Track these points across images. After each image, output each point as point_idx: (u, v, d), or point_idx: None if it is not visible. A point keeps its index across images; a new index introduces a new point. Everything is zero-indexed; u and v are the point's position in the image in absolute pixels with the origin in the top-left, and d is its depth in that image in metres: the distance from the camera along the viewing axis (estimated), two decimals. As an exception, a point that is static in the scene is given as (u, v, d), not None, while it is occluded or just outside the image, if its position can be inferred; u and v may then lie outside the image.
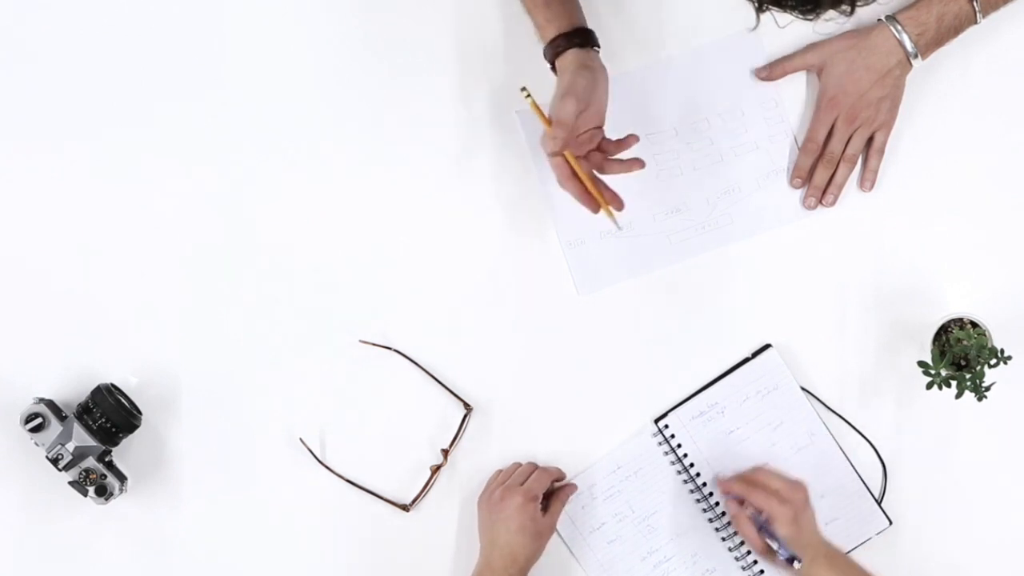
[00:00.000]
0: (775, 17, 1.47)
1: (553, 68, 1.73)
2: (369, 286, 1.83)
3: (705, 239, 1.83)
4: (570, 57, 1.70)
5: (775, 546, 1.71)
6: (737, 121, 1.83)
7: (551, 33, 1.72)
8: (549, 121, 1.67)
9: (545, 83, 1.73)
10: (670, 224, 1.83)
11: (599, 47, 1.73)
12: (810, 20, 1.41)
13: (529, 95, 1.68)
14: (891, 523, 1.80)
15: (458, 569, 1.81)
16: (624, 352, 1.82)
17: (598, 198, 1.69)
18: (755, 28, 1.59)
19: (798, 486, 1.72)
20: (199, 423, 1.82)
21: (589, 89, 1.67)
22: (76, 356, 1.81)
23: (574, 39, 1.71)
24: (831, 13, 1.41)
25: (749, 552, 1.79)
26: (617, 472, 1.82)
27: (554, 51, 1.72)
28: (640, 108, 1.83)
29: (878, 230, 1.83)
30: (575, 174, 1.68)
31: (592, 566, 1.81)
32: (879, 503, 1.80)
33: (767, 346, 1.81)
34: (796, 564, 1.69)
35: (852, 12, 1.41)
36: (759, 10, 1.43)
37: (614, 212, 1.70)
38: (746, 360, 1.82)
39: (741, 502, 1.75)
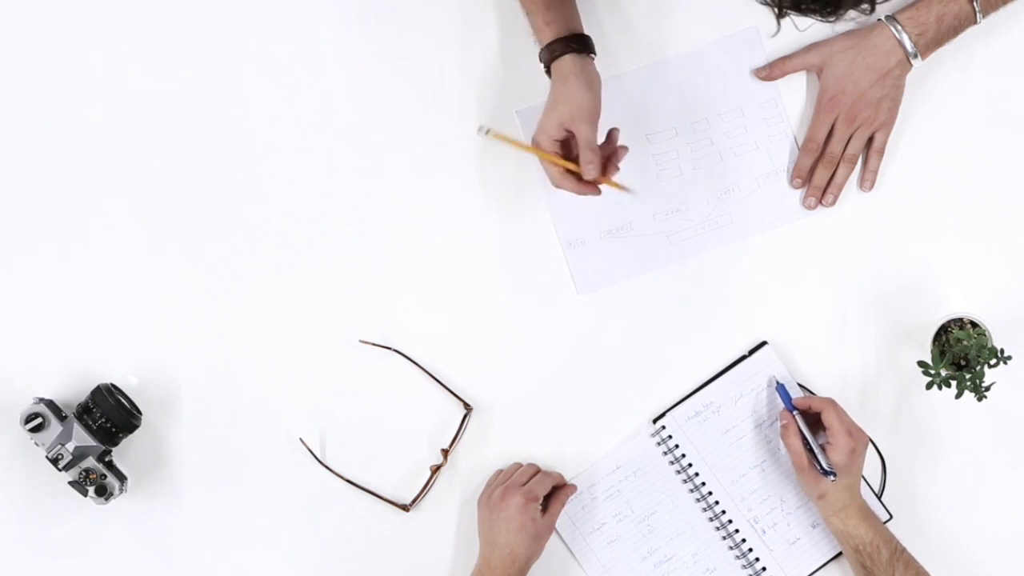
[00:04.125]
0: (795, 21, 1.46)
1: (548, 71, 1.73)
2: (369, 286, 1.83)
3: (705, 239, 1.83)
4: (567, 63, 1.70)
5: (817, 452, 1.73)
6: (737, 121, 1.83)
7: (549, 36, 1.72)
8: (530, 148, 1.69)
9: (539, 85, 1.73)
10: (670, 224, 1.83)
11: (595, 54, 1.73)
12: (831, 22, 1.40)
13: (489, 131, 1.70)
14: (891, 517, 1.80)
15: (458, 569, 1.81)
16: (624, 352, 1.83)
17: (606, 181, 1.70)
18: (776, 34, 1.58)
19: (862, 432, 1.75)
20: (199, 423, 1.82)
21: (594, 100, 1.68)
22: (76, 356, 1.81)
23: (571, 44, 1.71)
24: (851, 13, 1.40)
25: (752, 550, 1.80)
26: (616, 472, 1.82)
27: (551, 55, 1.71)
28: (640, 108, 1.83)
29: (878, 230, 1.83)
30: (568, 172, 1.69)
31: (592, 566, 1.81)
32: (879, 497, 1.81)
33: (763, 344, 1.82)
34: (831, 478, 1.71)
35: (872, 11, 1.40)
36: (779, 16, 1.42)
37: (617, 182, 1.71)
38: (742, 358, 1.82)
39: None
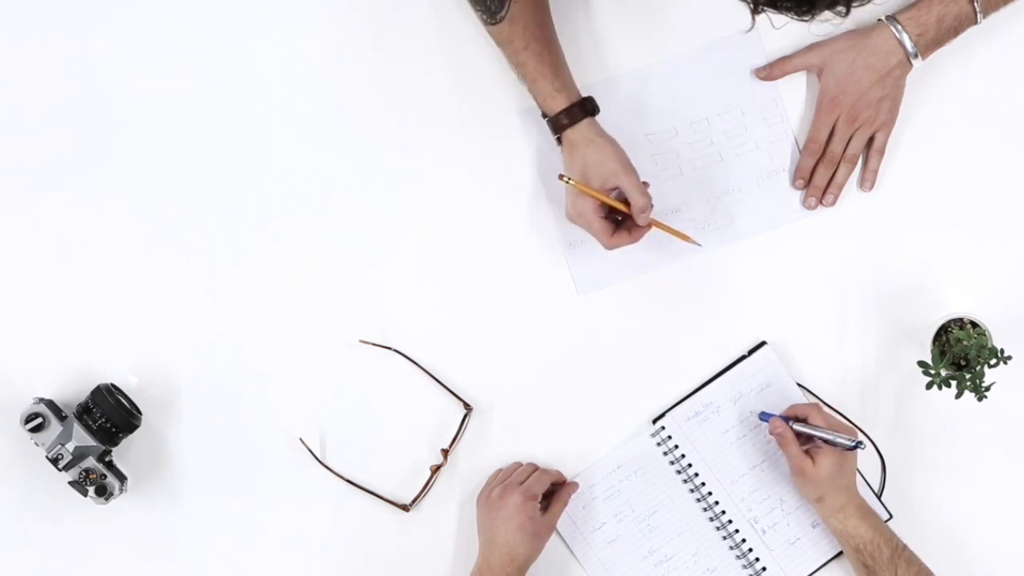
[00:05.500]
0: (770, 19, 1.46)
1: (559, 138, 1.73)
2: (369, 286, 1.83)
3: (705, 239, 1.83)
4: (587, 127, 1.71)
5: (834, 437, 1.70)
6: (737, 121, 1.83)
7: (563, 102, 1.71)
8: (607, 197, 1.71)
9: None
10: (670, 224, 1.82)
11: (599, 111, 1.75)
12: (805, 21, 1.41)
13: (570, 180, 1.71)
14: (891, 516, 1.80)
15: (458, 569, 1.81)
16: (624, 352, 1.83)
17: (680, 234, 1.75)
18: (750, 30, 1.58)
19: (851, 429, 1.75)
20: (199, 423, 1.82)
21: (622, 148, 1.71)
22: (76, 356, 1.81)
23: (586, 106, 1.72)
24: (827, 14, 1.40)
25: (752, 550, 1.80)
26: (617, 472, 1.82)
27: (571, 120, 1.71)
28: (640, 108, 1.83)
29: (878, 230, 1.83)
30: (618, 227, 1.73)
31: (593, 565, 1.81)
32: (879, 496, 1.81)
33: (762, 344, 1.82)
34: (861, 447, 1.71)
35: (847, 13, 1.40)
36: (754, 12, 1.42)
37: (680, 231, 1.76)
38: (742, 358, 1.82)
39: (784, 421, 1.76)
